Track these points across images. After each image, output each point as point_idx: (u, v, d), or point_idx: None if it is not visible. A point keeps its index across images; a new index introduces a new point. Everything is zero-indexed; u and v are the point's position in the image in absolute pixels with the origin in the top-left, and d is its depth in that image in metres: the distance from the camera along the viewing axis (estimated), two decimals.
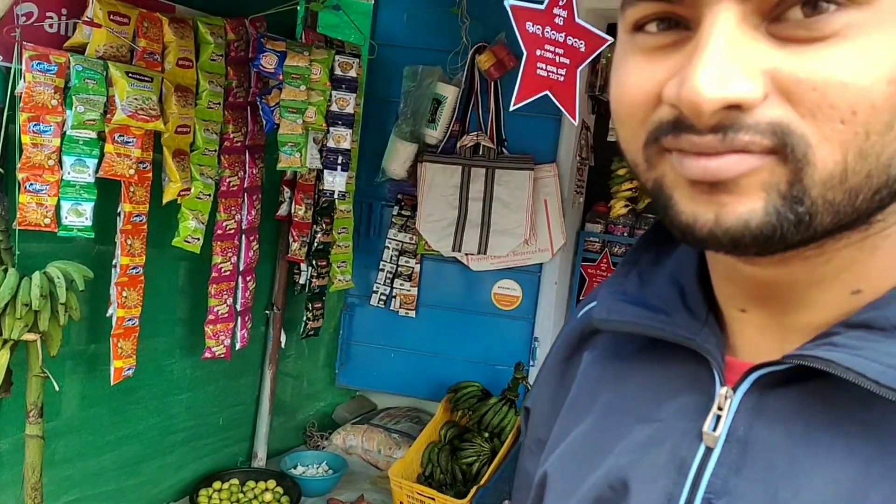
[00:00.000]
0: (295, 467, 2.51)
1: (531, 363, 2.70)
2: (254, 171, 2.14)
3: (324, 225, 2.46)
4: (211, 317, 2.09)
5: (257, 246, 2.22)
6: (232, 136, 2.04)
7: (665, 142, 0.43)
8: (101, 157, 1.65)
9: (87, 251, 1.81)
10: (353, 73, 2.18)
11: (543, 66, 1.73)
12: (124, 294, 1.80)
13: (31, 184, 1.56)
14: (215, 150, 1.97)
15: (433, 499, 2.19)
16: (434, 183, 2.62)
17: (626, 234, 2.87)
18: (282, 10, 2.09)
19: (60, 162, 1.61)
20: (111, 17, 1.65)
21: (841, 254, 0.45)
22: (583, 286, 2.79)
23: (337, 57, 2.17)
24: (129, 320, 1.82)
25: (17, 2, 1.48)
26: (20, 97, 1.54)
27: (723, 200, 0.41)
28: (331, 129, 2.18)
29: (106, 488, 2.02)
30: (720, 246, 0.43)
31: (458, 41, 2.57)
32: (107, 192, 1.72)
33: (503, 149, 2.64)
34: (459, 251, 2.63)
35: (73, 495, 1.94)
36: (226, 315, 2.12)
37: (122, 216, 1.78)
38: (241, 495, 2.28)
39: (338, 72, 2.17)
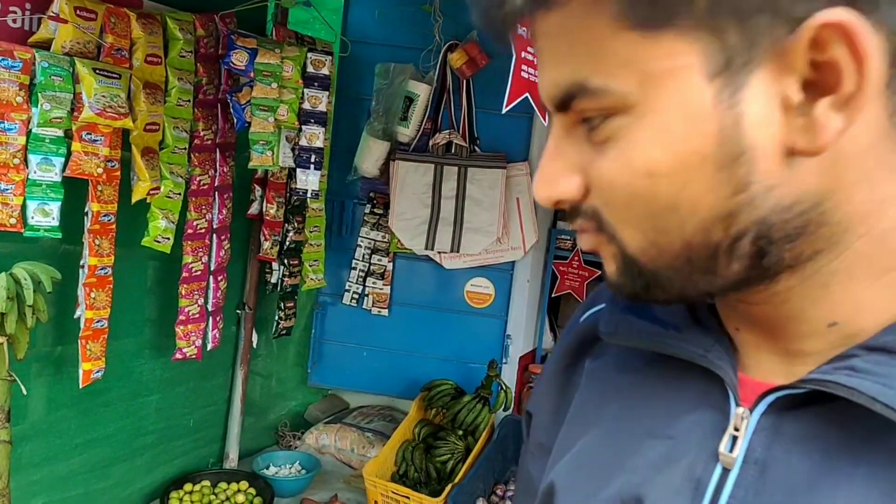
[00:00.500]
0: (267, 468, 2.49)
1: (504, 361, 2.71)
2: (224, 170, 2.11)
3: (295, 224, 2.44)
4: (182, 317, 2.06)
5: (228, 245, 2.19)
6: (202, 133, 2.01)
7: None
8: (68, 156, 1.61)
9: (53, 251, 1.77)
10: (325, 71, 2.17)
11: (525, 67, 1.74)
12: (92, 295, 1.77)
13: None
14: (185, 149, 1.93)
15: (408, 497, 2.19)
16: (406, 181, 2.62)
17: None
18: (252, 6, 2.06)
19: (26, 161, 1.57)
20: (77, 12, 1.61)
21: (794, 292, 0.46)
22: (555, 284, 2.81)
23: (309, 54, 2.15)
24: (97, 322, 1.79)
25: None
26: None
27: (604, 264, 0.51)
28: (303, 127, 2.16)
29: (74, 492, 1.98)
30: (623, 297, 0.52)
31: (431, 39, 2.56)
32: (74, 191, 1.68)
33: (475, 147, 2.64)
34: (432, 249, 2.63)
35: (41, 500, 1.89)
36: (197, 315, 2.09)
37: (89, 216, 1.74)
38: (212, 497, 2.26)
39: (310, 69, 2.15)
